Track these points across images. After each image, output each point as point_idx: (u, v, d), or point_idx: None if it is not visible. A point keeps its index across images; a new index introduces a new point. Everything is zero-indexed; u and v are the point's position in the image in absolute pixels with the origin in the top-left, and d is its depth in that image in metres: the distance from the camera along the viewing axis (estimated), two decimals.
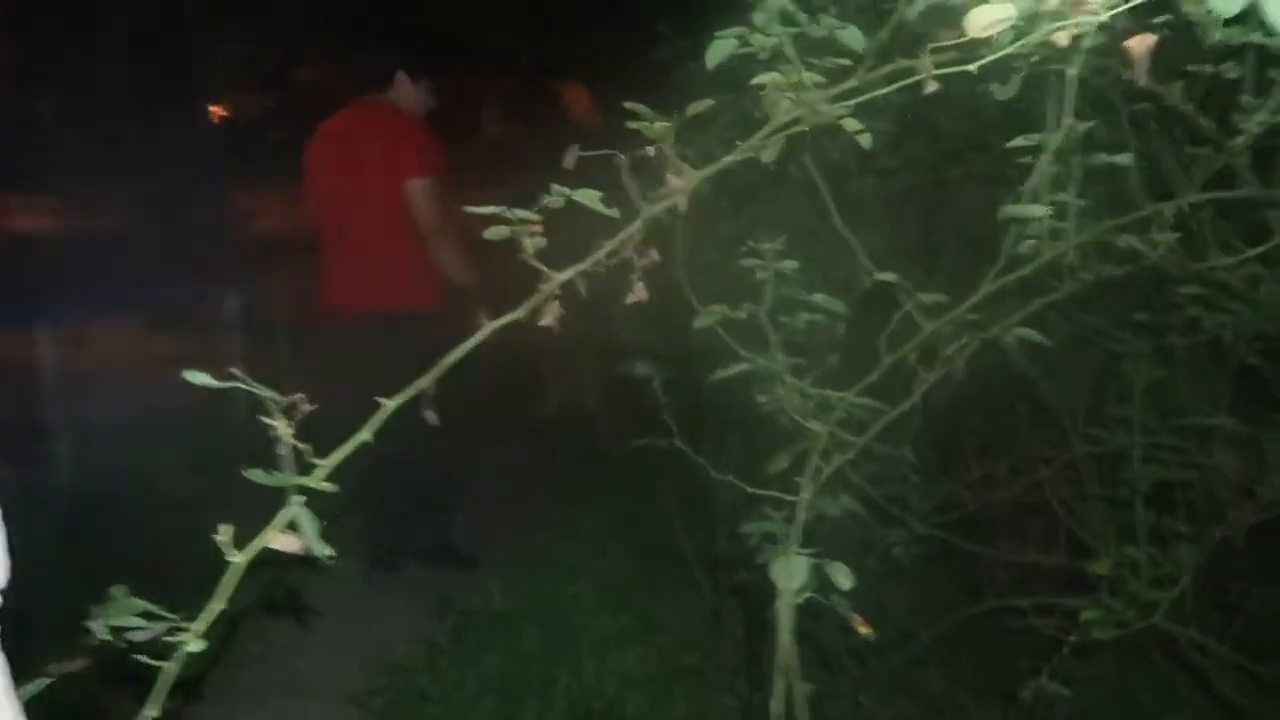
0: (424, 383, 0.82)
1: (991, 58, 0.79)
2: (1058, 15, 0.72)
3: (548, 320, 0.88)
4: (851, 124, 1.21)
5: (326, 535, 0.78)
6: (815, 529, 1.25)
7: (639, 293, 0.91)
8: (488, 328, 0.84)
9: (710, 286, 1.45)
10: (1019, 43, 0.77)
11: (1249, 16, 0.72)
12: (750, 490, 1.27)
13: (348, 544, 3.65)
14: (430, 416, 0.82)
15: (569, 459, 4.32)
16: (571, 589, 3.35)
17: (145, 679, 0.76)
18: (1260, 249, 1.68)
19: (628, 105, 1.15)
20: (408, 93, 3.46)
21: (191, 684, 2.67)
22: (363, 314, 3.33)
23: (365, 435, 0.78)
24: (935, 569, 2.54)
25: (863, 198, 2.23)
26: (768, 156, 1.26)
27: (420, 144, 3.32)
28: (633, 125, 1.11)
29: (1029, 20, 0.74)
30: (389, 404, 0.80)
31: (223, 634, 2.84)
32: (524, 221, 0.86)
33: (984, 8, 0.71)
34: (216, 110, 12.94)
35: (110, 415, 4.52)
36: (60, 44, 9.83)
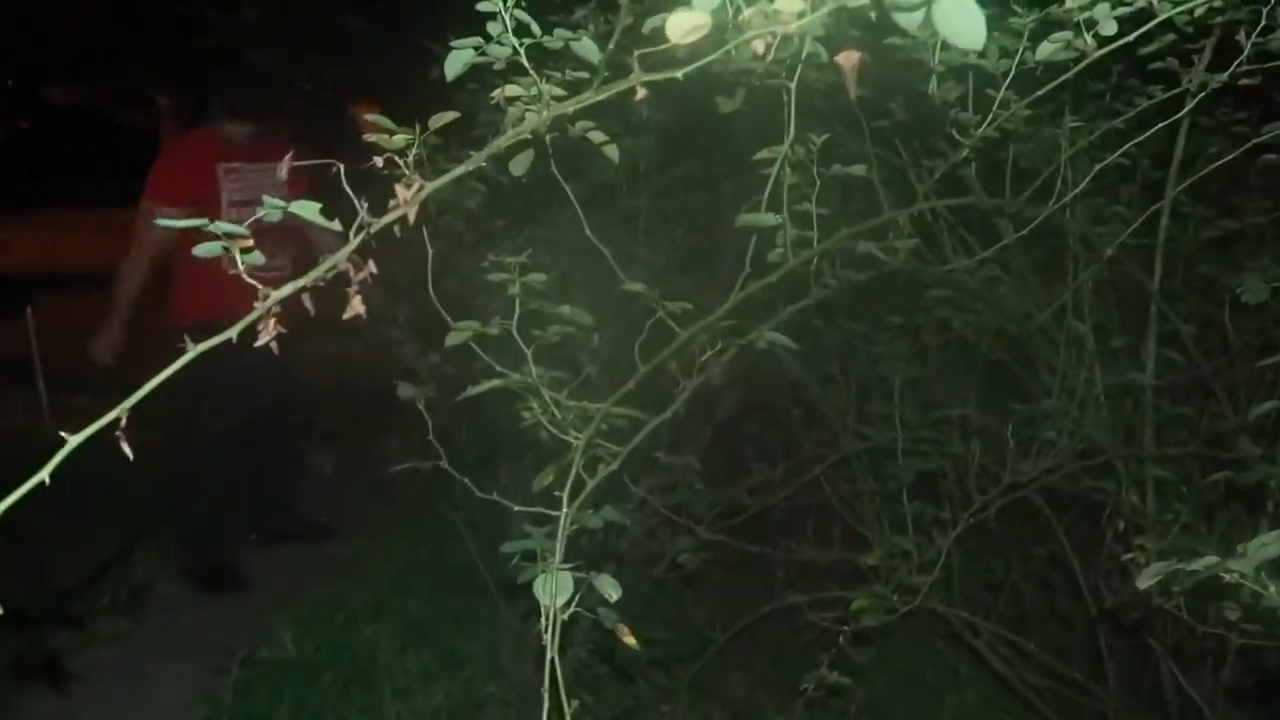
0: (119, 411, 0.75)
1: (694, 65, 0.81)
2: (749, 26, 0.75)
3: (264, 339, 0.82)
4: (597, 136, 1.23)
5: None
6: (603, 544, 1.25)
7: (356, 307, 0.87)
8: (192, 351, 0.78)
9: (488, 304, 1.42)
10: (718, 53, 0.79)
11: None
12: (516, 508, 1.24)
13: (117, 601, 3.36)
14: (126, 449, 0.75)
15: (361, 490, 4.16)
16: (371, 629, 3.21)
17: None
18: (990, 251, 1.84)
19: (368, 118, 1.11)
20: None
21: None
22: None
23: (44, 474, 0.70)
24: (730, 573, 2.61)
25: (637, 216, 2.27)
26: (517, 170, 1.25)
27: (155, 171, 3.62)
28: (370, 138, 1.07)
29: (724, 30, 0.76)
30: (73, 439, 0.73)
31: None
32: (234, 236, 0.80)
33: (680, 14, 0.72)
34: None
35: None
36: None
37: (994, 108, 1.50)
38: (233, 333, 0.81)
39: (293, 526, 4.00)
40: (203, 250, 0.86)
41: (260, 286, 0.81)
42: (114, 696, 2.89)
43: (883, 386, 2.15)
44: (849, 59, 1.00)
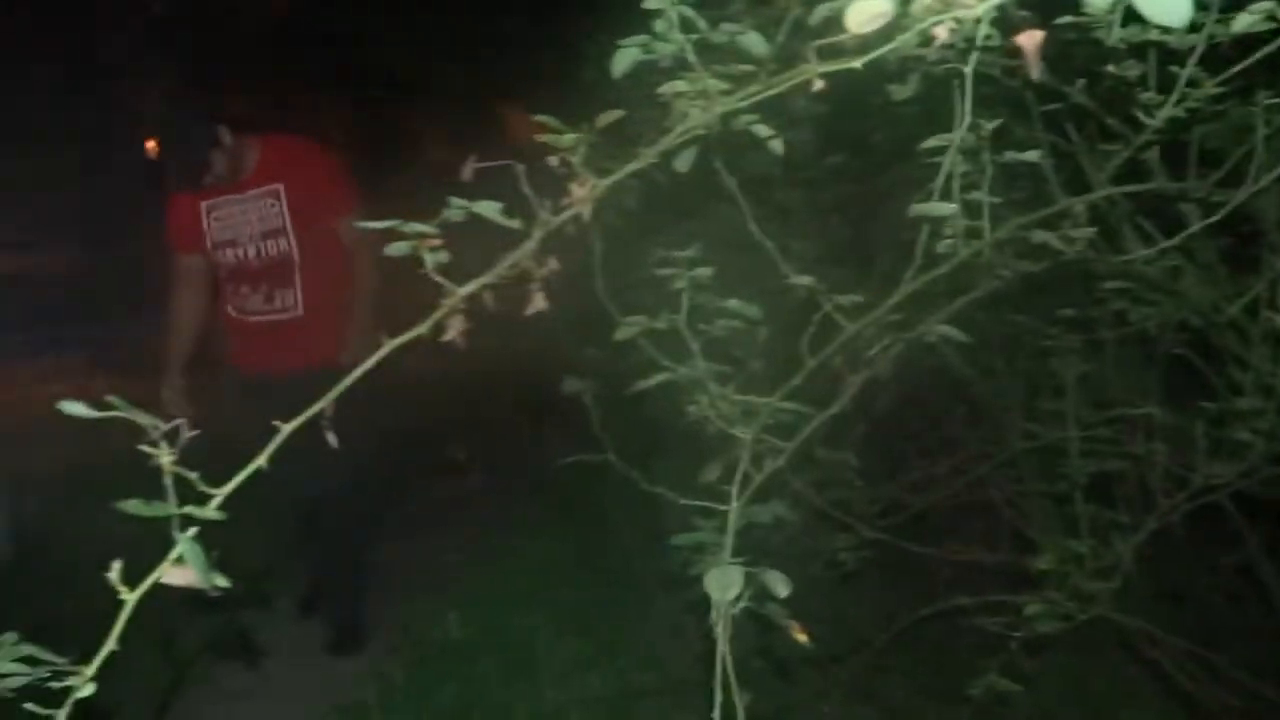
0: (323, 403, 0.80)
1: (874, 54, 0.80)
2: (931, 10, 0.73)
3: (452, 335, 0.86)
4: (762, 130, 1.22)
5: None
6: (760, 539, 1.25)
7: (538, 303, 0.90)
8: (388, 345, 0.83)
9: (647, 299, 1.45)
10: (900, 39, 0.77)
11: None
12: (683, 501, 1.25)
13: (297, 584, 3.59)
14: (330, 439, 0.80)
15: (521, 483, 4.29)
16: (529, 616, 3.31)
17: None
18: (1175, 240, 1.72)
19: (537, 118, 1.15)
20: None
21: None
22: None
23: (260, 461, 0.76)
24: (888, 573, 2.55)
25: (791, 207, 2.25)
26: (682, 166, 1.26)
27: (166, 216, 3.25)
28: (542, 138, 1.11)
29: (907, 17, 0.74)
30: (286, 428, 0.78)
31: (170, 678, 2.79)
32: (422, 235, 0.85)
33: (861, 3, 0.71)
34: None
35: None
36: None
37: (1180, 85, 1.41)
38: (424, 329, 0.85)
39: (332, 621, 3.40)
40: (394, 250, 0.91)
41: (447, 284, 0.85)
42: (296, 669, 3.10)
43: (1052, 382, 2.05)
44: (1031, 39, 0.96)
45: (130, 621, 0.72)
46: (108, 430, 0.79)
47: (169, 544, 0.70)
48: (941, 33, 0.77)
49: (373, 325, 3.02)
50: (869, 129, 2.30)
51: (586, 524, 3.62)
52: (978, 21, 0.97)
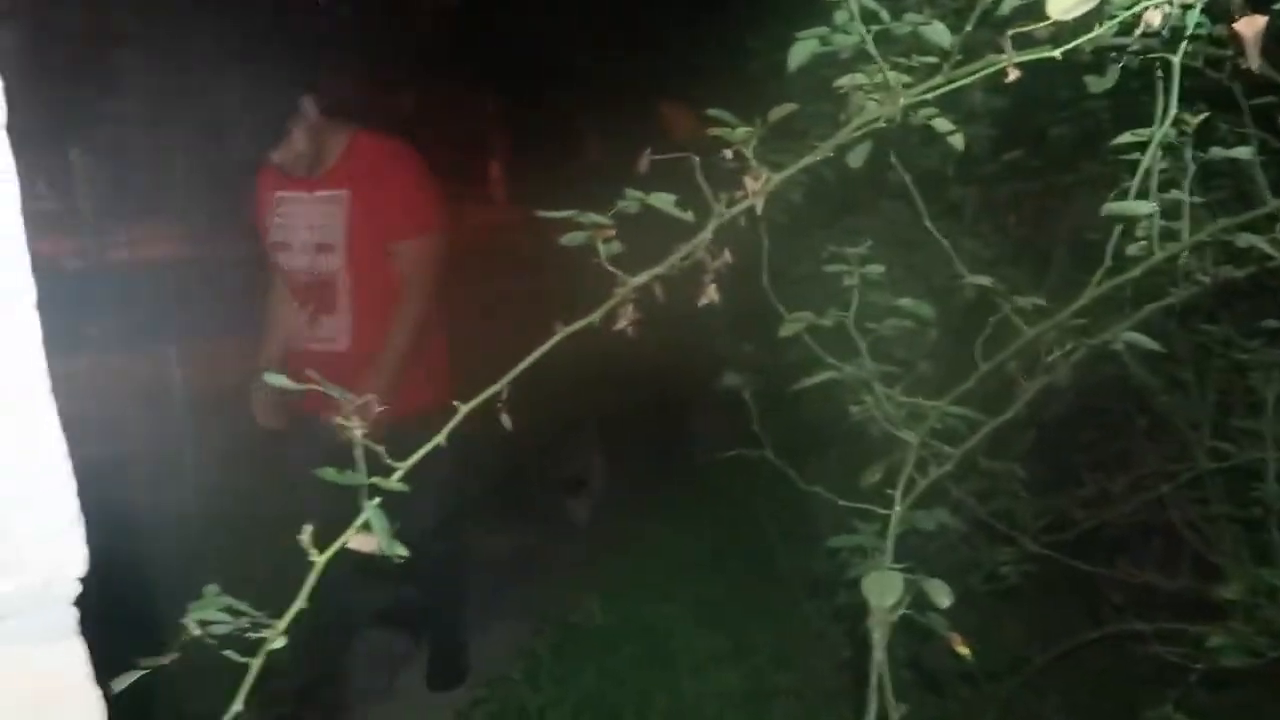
0: (500, 385, 0.83)
1: (1075, 42, 0.75)
2: None
3: (623, 324, 0.87)
4: (942, 124, 1.18)
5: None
6: (918, 546, 1.21)
7: (711, 294, 0.90)
8: (561, 333, 0.85)
9: (807, 295, 1.42)
10: (1105, 26, 0.72)
11: None
12: (841, 503, 1.23)
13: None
14: (505, 420, 0.83)
15: (670, 473, 4.32)
16: (669, 607, 3.33)
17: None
18: None
19: (710, 112, 1.14)
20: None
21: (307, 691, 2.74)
22: None
23: (440, 439, 0.79)
24: (1051, 590, 2.42)
25: (964, 205, 2.16)
26: (855, 161, 1.23)
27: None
28: (714, 132, 1.10)
29: (1109, 3, 0.70)
30: (464, 407, 0.81)
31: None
32: (598, 226, 0.86)
33: None
34: None
35: None
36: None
37: None
38: (595, 318, 0.87)
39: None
40: (569, 239, 0.93)
41: (620, 274, 0.86)
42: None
43: (1249, 398, 1.90)
44: (1252, 25, 0.89)
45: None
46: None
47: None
48: (1154, 18, 0.72)
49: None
50: (1049, 123, 2.18)
51: (735, 522, 3.61)
52: (1188, 7, 0.90)
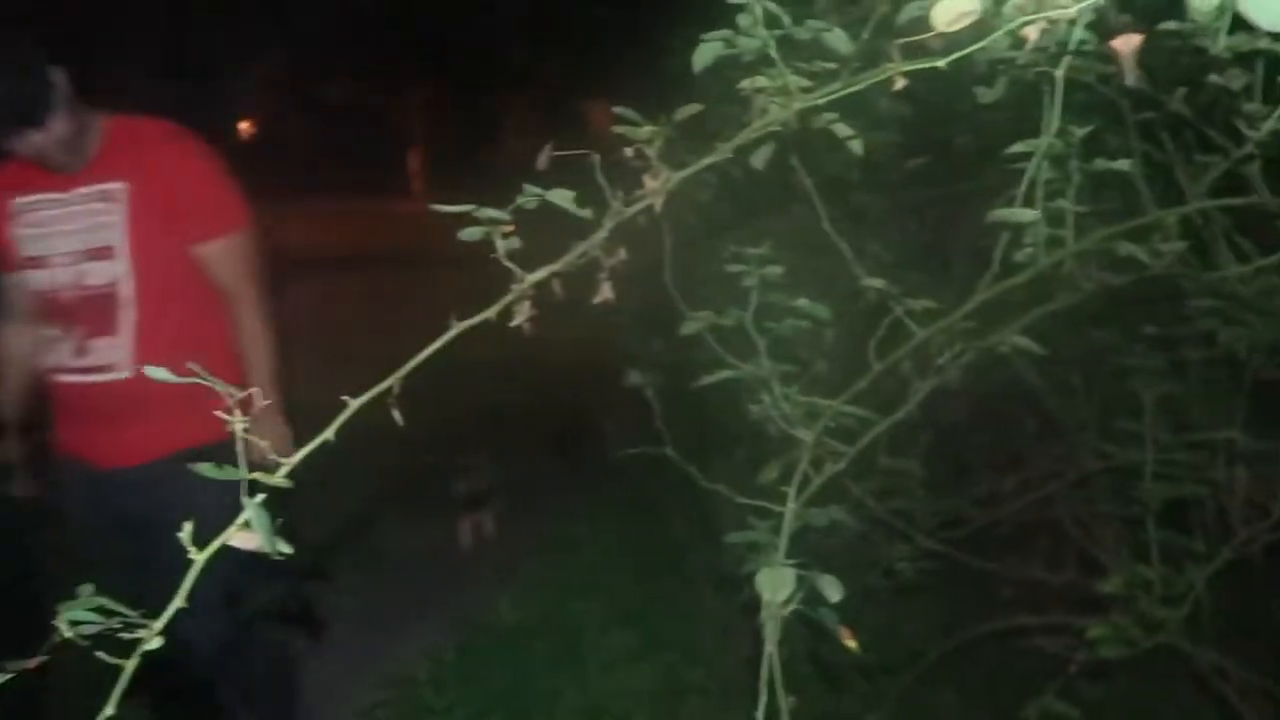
0: (391, 381, 0.82)
1: (959, 54, 0.78)
2: (1023, 10, 0.71)
3: (520, 321, 0.87)
4: (842, 129, 1.20)
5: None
6: (816, 544, 1.23)
7: (605, 293, 0.90)
8: (456, 328, 0.84)
9: (714, 296, 1.44)
10: (988, 39, 0.75)
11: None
12: (739, 501, 1.24)
13: (359, 558, 3.67)
14: (396, 416, 0.82)
15: (581, 473, 4.32)
16: (580, 606, 3.33)
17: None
18: (1272, 258, 1.65)
19: (616, 110, 1.15)
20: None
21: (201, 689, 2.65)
22: None
23: (328, 434, 0.78)
24: (947, 588, 2.50)
25: (867, 211, 2.21)
26: (758, 162, 1.25)
27: None
28: (620, 130, 1.11)
29: (996, 17, 0.72)
30: (353, 403, 0.80)
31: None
32: (495, 222, 0.85)
33: (948, 1, 0.70)
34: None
35: None
36: None
37: None
38: (490, 313, 0.86)
39: None
40: (467, 235, 0.92)
41: (518, 270, 0.86)
42: (352, 643, 3.17)
43: (1131, 402, 1.99)
44: (1128, 43, 0.93)
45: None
46: None
47: None
48: (1032, 34, 0.75)
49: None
50: (953, 134, 2.25)
51: (645, 521, 3.63)
52: (1072, 24, 0.94)
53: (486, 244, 0.94)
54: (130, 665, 0.76)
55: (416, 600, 3.46)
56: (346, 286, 8.41)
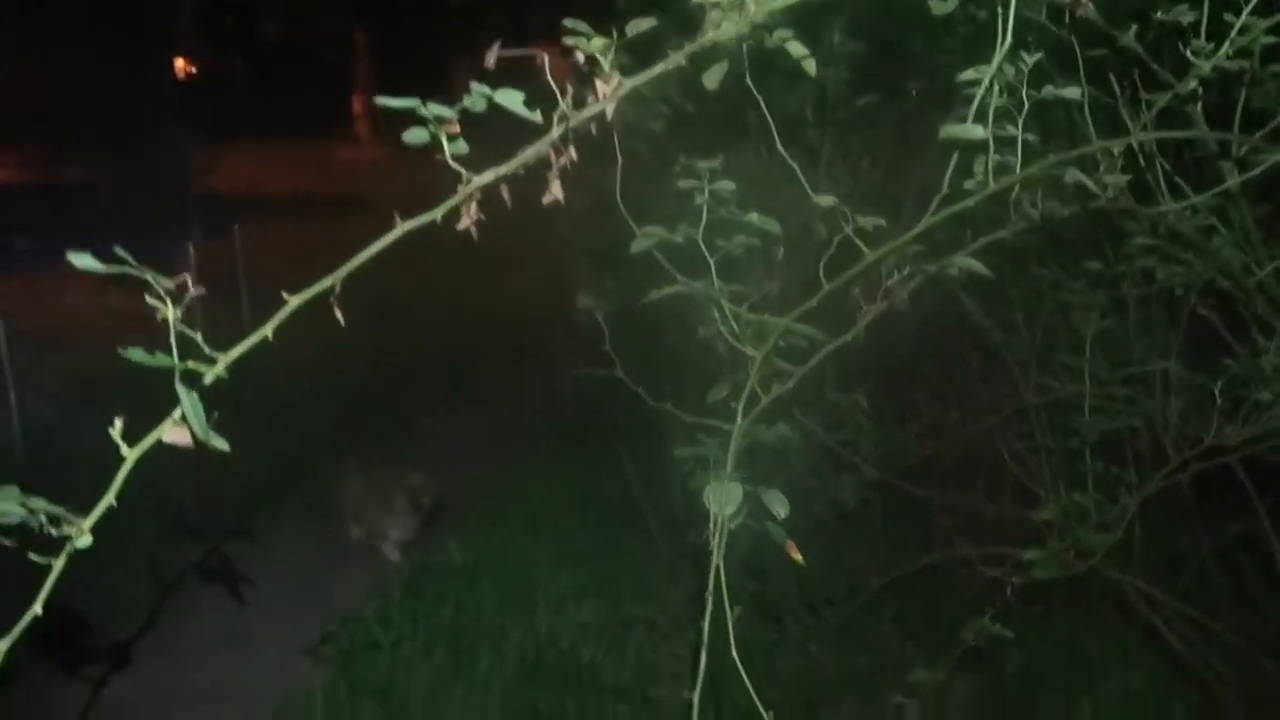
0: (330, 280, 0.80)
1: None
2: None
3: (465, 224, 0.85)
4: (796, 48, 1.19)
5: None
6: (764, 477, 1.24)
7: (555, 192, 0.88)
8: (399, 228, 0.82)
9: (662, 219, 1.43)
10: None
11: None
12: (689, 419, 1.25)
13: (305, 505, 3.63)
14: (338, 315, 0.80)
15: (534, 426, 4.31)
16: (530, 546, 3.34)
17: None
18: (1207, 195, 1.68)
19: (565, 23, 1.12)
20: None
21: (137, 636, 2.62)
22: None
23: (266, 330, 0.76)
24: (891, 523, 2.55)
25: (819, 151, 2.21)
26: (710, 82, 1.23)
27: None
28: (570, 42, 1.08)
29: None
30: (293, 300, 0.78)
31: (161, 592, 2.83)
32: (441, 120, 0.83)
33: None
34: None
35: None
36: None
37: (1233, 33, 1.37)
38: (437, 214, 0.84)
39: None
40: (411, 136, 0.89)
41: (465, 172, 0.84)
42: (302, 585, 3.15)
43: (1072, 338, 2.03)
44: None
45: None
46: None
47: None
48: None
49: None
50: (902, 73, 2.25)
51: (596, 471, 3.64)
52: None
53: (432, 190, 0.91)
54: (59, 565, 0.74)
55: (364, 544, 3.44)
56: (286, 230, 8.20)
